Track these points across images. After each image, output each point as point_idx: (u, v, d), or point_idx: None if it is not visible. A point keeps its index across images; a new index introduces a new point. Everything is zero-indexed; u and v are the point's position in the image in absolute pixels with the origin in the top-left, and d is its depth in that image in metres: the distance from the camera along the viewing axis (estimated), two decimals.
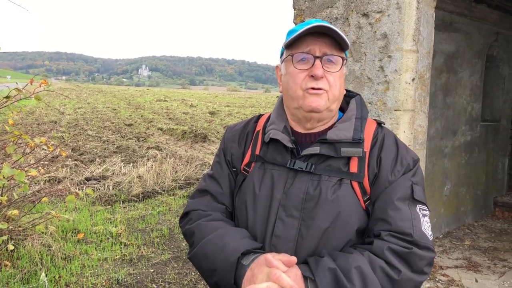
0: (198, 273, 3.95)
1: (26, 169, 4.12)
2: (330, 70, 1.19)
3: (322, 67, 1.17)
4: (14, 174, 3.46)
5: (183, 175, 7.43)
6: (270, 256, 1.08)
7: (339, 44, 1.20)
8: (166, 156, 8.89)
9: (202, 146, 11.41)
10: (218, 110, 22.50)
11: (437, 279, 3.84)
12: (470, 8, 5.00)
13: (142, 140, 11.77)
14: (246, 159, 1.30)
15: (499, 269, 4.15)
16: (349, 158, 1.19)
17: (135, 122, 16.23)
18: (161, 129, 14.24)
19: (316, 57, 1.18)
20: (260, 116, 1.41)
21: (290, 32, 1.25)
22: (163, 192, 6.69)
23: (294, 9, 4.03)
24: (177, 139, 12.49)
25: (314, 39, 1.19)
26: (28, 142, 4.29)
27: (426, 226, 1.15)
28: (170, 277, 3.90)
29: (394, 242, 1.10)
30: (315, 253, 1.14)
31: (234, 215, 1.31)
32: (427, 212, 1.19)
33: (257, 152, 1.28)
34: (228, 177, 1.33)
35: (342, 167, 1.18)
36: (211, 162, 8.76)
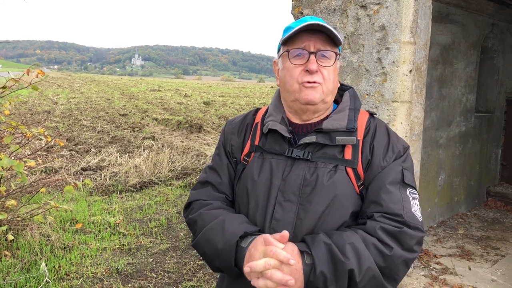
0: (200, 260, 4.00)
1: (24, 159, 4.11)
2: (324, 65, 1.26)
3: (317, 62, 1.25)
4: (13, 165, 3.47)
5: (179, 165, 7.45)
6: (267, 235, 1.14)
7: (333, 40, 1.28)
8: (162, 146, 8.90)
9: (197, 136, 11.41)
10: (212, 100, 22.43)
11: (431, 267, 3.92)
12: (466, 0, 5.03)
13: (137, 130, 11.75)
14: (246, 149, 1.37)
15: (492, 257, 4.24)
16: (343, 146, 1.27)
17: (130, 112, 16.15)
18: (156, 119, 14.20)
19: (310, 53, 1.26)
20: (258, 109, 1.49)
21: (286, 29, 1.33)
22: (160, 182, 6.72)
23: (292, 0, 4.04)
24: (172, 129, 12.47)
25: (309, 35, 1.26)
26: (25, 133, 4.29)
27: (415, 208, 1.22)
28: (169, 266, 3.94)
29: (386, 222, 1.17)
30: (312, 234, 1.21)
31: (234, 202, 1.38)
32: (417, 195, 1.26)
33: (256, 142, 1.36)
34: (227, 168, 1.40)
35: (337, 154, 1.26)
36: (207, 152, 8.78)
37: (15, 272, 3.58)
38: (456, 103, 5.30)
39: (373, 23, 3.39)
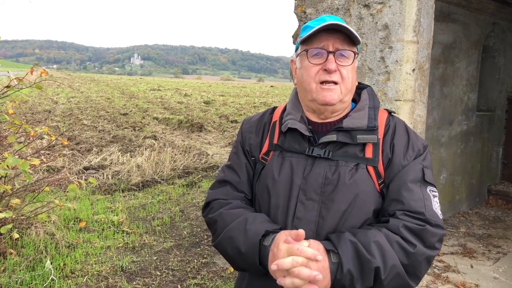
0: (204, 258, 4.03)
1: (28, 158, 4.13)
2: (343, 64, 1.26)
3: (335, 61, 1.25)
4: (18, 164, 3.49)
5: (181, 164, 7.47)
6: (287, 235, 1.15)
7: (351, 39, 1.28)
8: (164, 145, 8.91)
9: (198, 135, 11.43)
10: (212, 100, 22.45)
11: (434, 265, 3.95)
12: None
13: (138, 130, 11.76)
14: (265, 148, 1.37)
15: (493, 255, 4.27)
16: (364, 145, 1.27)
17: (130, 111, 16.16)
18: (156, 118, 14.21)
19: (329, 52, 1.25)
20: (275, 108, 1.48)
21: (304, 28, 1.33)
22: (162, 181, 6.74)
23: None
24: (173, 128, 12.49)
25: (328, 35, 1.26)
26: (29, 132, 4.31)
27: (436, 206, 1.24)
28: (173, 264, 3.96)
29: (408, 220, 1.18)
30: (335, 232, 1.21)
31: (254, 201, 1.37)
32: (437, 193, 1.28)
33: (275, 141, 1.35)
34: (245, 166, 1.39)
35: (358, 153, 1.26)
36: (208, 152, 8.81)
37: (20, 270, 3.60)
38: (457, 102, 5.33)
39: (376, 22, 3.41)
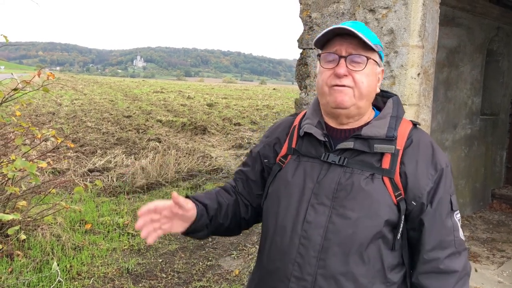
0: (209, 261, 4.05)
1: (36, 161, 4.17)
2: (356, 69, 1.25)
3: (347, 66, 1.24)
4: (26, 166, 3.52)
5: (185, 167, 7.51)
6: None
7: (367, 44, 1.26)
8: (168, 148, 8.95)
9: (202, 138, 11.47)
10: (215, 102, 22.50)
11: None
12: (472, 3, 5.07)
13: (142, 132, 11.81)
14: (283, 151, 1.38)
15: (498, 259, 4.28)
16: (382, 155, 1.24)
17: (134, 113, 16.22)
18: (160, 121, 14.26)
19: (341, 57, 1.25)
20: (298, 113, 1.50)
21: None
22: (167, 184, 6.77)
23: (300, 3, 4.08)
24: (176, 131, 12.53)
25: (342, 40, 1.26)
26: (36, 134, 4.34)
27: (461, 231, 1.29)
28: (179, 266, 3.99)
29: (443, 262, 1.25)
30: (345, 241, 1.20)
31: (263, 202, 1.40)
32: (459, 214, 1.31)
33: (293, 145, 1.36)
34: (258, 165, 1.46)
35: (374, 163, 1.24)
36: (212, 154, 8.85)
37: (27, 272, 3.64)
38: (461, 106, 5.34)
39: (382, 27, 3.43)
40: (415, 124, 1.32)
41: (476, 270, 3.96)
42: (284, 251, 1.24)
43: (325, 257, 1.20)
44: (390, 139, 1.24)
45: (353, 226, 1.19)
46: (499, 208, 5.96)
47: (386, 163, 1.23)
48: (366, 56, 1.26)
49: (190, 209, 1.26)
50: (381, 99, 1.39)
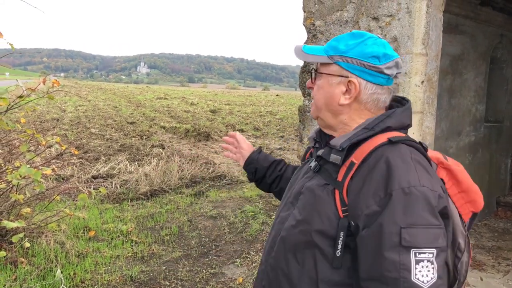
0: (213, 269, 4.05)
1: (40, 167, 4.18)
2: (316, 82, 1.33)
3: (313, 79, 1.35)
4: (31, 173, 3.54)
5: (189, 173, 7.51)
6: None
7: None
8: (171, 154, 8.96)
9: (205, 144, 11.48)
10: (219, 109, 22.54)
11: None
12: (476, 11, 5.08)
13: (146, 139, 11.84)
14: (307, 155, 1.52)
15: (503, 267, 4.24)
16: (340, 166, 1.21)
17: (137, 120, 16.27)
18: (163, 127, 14.29)
19: (314, 70, 1.36)
20: None
21: None
22: (170, 191, 6.77)
23: (304, 11, 4.10)
24: (180, 137, 12.55)
25: None
26: (40, 141, 4.36)
27: (423, 274, 1.04)
28: (182, 274, 3.98)
29: None
30: (285, 238, 1.28)
31: None
32: (429, 253, 1.04)
33: (311, 149, 1.48)
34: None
35: (333, 173, 1.22)
36: (215, 161, 8.84)
37: (31, 279, 3.63)
38: (465, 113, 5.33)
39: (385, 35, 3.44)
40: (390, 141, 1.17)
41: (481, 279, 3.93)
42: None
43: (274, 249, 1.30)
44: (342, 150, 1.21)
45: (293, 227, 1.26)
46: (504, 216, 5.92)
47: (341, 175, 1.20)
48: (316, 70, 1.34)
49: (243, 147, 1.81)
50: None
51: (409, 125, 1.28)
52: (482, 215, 5.83)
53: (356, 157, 1.18)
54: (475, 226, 5.48)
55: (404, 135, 1.22)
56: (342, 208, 1.16)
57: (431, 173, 1.14)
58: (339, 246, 1.14)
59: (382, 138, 1.19)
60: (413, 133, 3.41)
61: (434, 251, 1.04)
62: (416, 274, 1.02)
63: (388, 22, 3.47)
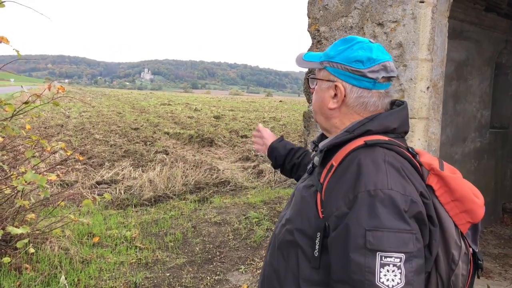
0: (217, 275, 4.02)
1: (45, 173, 4.18)
2: (314, 87, 1.39)
3: (310, 85, 1.41)
4: (36, 179, 3.54)
5: (193, 179, 7.50)
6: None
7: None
8: (175, 160, 8.96)
9: (209, 150, 11.48)
10: (222, 115, 22.57)
11: None
12: (480, 17, 5.08)
13: (149, 144, 11.85)
14: None
15: (510, 275, 4.20)
16: (323, 169, 1.23)
17: (141, 126, 16.31)
18: (167, 133, 14.32)
19: (308, 75, 1.47)
20: None
21: None
22: (174, 197, 6.76)
23: (309, 17, 4.11)
24: (183, 143, 12.56)
25: None
26: (45, 147, 4.37)
27: (390, 277, 1.01)
28: (186, 281, 3.95)
29: None
30: (276, 236, 1.33)
31: None
32: (393, 259, 1.02)
33: None
34: None
35: (318, 175, 1.25)
36: (219, 167, 8.83)
37: (36, 286, 3.62)
38: (470, 119, 5.31)
39: (390, 41, 3.44)
40: (366, 143, 1.16)
41: (488, 287, 3.89)
42: None
43: (271, 246, 1.35)
44: (321, 152, 1.27)
45: (283, 225, 1.30)
46: (510, 222, 5.87)
47: (322, 177, 1.22)
48: (312, 76, 1.38)
49: (266, 137, 1.94)
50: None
51: (396, 129, 1.23)
52: (488, 222, 5.78)
53: (335, 160, 1.19)
54: (481, 233, 5.43)
55: (386, 138, 1.19)
56: (321, 209, 1.16)
57: (406, 177, 1.10)
58: (317, 247, 1.15)
59: (360, 141, 1.18)
60: (419, 139, 3.40)
61: (402, 256, 1.01)
62: (380, 278, 1.00)
63: (393, 28, 3.46)
